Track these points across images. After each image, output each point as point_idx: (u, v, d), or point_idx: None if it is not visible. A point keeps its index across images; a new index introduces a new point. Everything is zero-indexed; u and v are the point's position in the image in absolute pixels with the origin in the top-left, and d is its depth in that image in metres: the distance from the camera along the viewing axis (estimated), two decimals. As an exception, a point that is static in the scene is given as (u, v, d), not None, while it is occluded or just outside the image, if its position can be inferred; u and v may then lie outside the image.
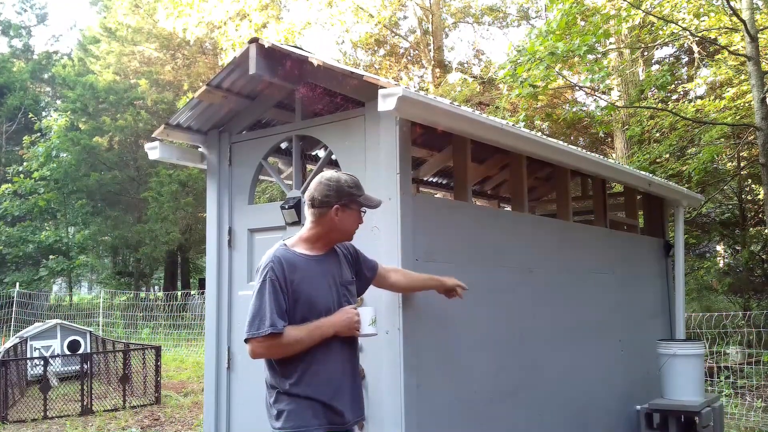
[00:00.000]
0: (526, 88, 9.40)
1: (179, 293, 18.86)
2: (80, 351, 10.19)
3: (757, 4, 10.86)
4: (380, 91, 2.96)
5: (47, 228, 22.72)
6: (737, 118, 10.29)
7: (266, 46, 3.50)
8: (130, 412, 8.09)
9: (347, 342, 2.64)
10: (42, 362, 8.59)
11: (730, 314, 10.14)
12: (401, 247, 3.20)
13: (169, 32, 19.57)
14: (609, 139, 15.49)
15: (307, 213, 2.67)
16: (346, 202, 2.62)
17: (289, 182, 4.33)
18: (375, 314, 2.69)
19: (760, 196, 12.46)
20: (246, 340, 2.50)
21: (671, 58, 14.83)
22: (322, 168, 3.64)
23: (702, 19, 10.59)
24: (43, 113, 27.96)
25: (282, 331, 2.44)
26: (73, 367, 9.55)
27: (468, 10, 19.83)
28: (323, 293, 2.59)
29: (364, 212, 2.74)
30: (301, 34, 15.38)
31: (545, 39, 8.99)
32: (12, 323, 16.01)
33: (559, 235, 4.79)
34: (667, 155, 11.44)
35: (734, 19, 9.16)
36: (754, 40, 8.56)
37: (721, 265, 15.09)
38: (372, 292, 3.06)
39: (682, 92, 13.75)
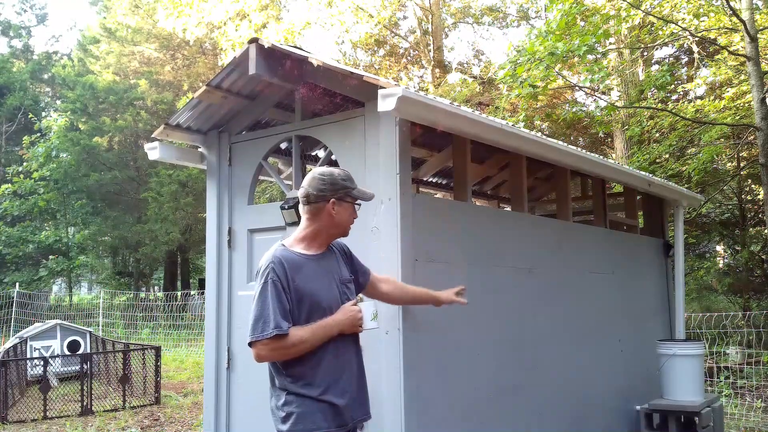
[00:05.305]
0: (526, 88, 9.39)
1: (179, 293, 18.87)
2: (80, 351, 10.18)
3: (756, 4, 10.86)
4: (380, 92, 2.95)
5: (47, 228, 22.73)
6: (737, 118, 10.28)
7: (266, 47, 3.50)
8: (129, 412, 8.08)
9: (351, 340, 2.62)
10: (42, 362, 8.58)
11: (729, 314, 10.13)
12: (401, 247, 3.20)
13: (168, 32, 19.57)
14: (609, 140, 15.50)
15: (302, 210, 2.63)
16: (341, 195, 2.59)
17: (289, 182, 4.33)
18: (376, 308, 2.68)
19: (760, 196, 12.45)
20: (250, 344, 2.43)
21: (671, 59, 14.82)
22: (322, 168, 3.64)
23: (702, 19, 10.58)
24: (43, 113, 27.96)
25: (287, 332, 2.40)
26: (73, 368, 9.55)
27: (468, 11, 19.83)
28: (325, 292, 2.57)
29: (359, 206, 2.70)
30: (300, 34, 15.36)
31: (545, 39, 8.99)
32: (12, 323, 16.01)
33: (559, 235, 4.79)
34: (667, 155, 11.44)
35: (734, 19, 9.16)
36: (753, 40, 8.56)
37: (720, 265, 15.09)
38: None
39: (681, 92, 13.74)
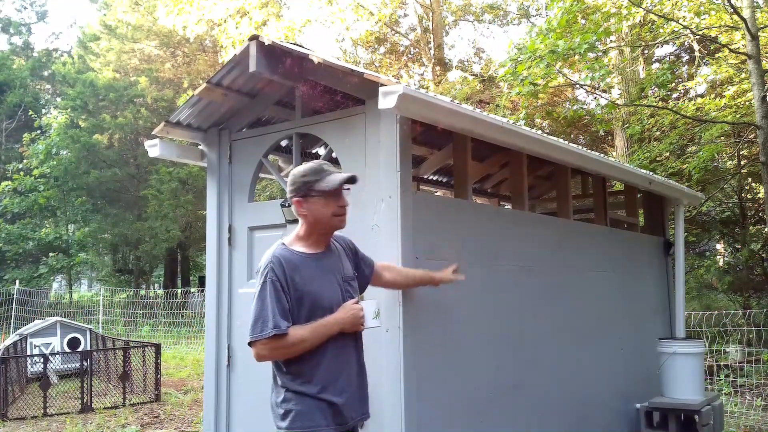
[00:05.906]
0: (527, 86, 9.38)
1: (179, 291, 18.90)
2: (80, 348, 10.18)
3: (757, 2, 10.84)
4: (381, 89, 2.95)
5: (47, 225, 22.73)
6: (737, 116, 10.28)
7: (266, 44, 3.50)
8: (129, 409, 8.09)
9: (352, 338, 2.61)
10: (42, 360, 8.59)
11: (729, 313, 10.14)
12: (401, 245, 3.20)
13: (169, 30, 19.52)
14: (609, 138, 15.48)
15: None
16: (303, 192, 2.55)
17: (289, 180, 4.32)
18: (378, 307, 2.68)
19: (760, 195, 12.46)
20: (250, 343, 2.44)
21: (672, 57, 14.81)
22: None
23: (702, 17, 10.55)
24: (43, 111, 27.96)
25: (286, 332, 2.40)
26: (73, 365, 9.54)
27: (468, 8, 19.81)
28: (327, 290, 2.56)
29: (348, 190, 2.62)
30: (301, 31, 15.35)
31: (546, 37, 8.98)
32: (12, 320, 16.01)
33: (560, 233, 4.79)
34: (668, 153, 11.43)
35: (735, 17, 9.14)
36: (754, 38, 8.54)
37: (721, 263, 15.09)
38: (371, 288, 3.05)
39: (682, 90, 13.72)
